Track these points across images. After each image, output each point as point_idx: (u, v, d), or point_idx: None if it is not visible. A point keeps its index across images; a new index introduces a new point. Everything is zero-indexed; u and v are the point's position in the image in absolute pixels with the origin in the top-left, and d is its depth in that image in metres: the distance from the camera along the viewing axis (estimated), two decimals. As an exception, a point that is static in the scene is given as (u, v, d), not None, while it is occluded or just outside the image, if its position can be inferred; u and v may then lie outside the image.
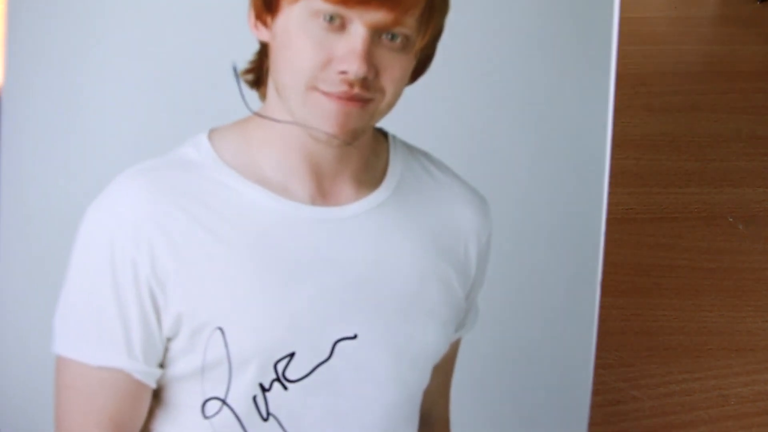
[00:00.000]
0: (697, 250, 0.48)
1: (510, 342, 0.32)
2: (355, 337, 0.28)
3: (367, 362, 0.29)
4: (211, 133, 0.28)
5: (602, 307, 0.45)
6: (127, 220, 0.26)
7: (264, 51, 0.27)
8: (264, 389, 0.28)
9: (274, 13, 0.26)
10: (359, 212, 0.29)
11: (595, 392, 0.42)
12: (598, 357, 0.43)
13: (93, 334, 0.27)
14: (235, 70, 0.28)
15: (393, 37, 0.26)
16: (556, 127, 0.31)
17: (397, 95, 0.27)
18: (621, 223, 0.49)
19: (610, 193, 0.51)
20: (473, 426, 0.31)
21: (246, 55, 0.27)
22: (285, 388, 0.28)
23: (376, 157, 0.29)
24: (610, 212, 0.50)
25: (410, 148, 0.30)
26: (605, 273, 0.47)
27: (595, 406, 0.42)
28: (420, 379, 0.30)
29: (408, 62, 0.27)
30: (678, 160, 0.53)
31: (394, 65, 0.26)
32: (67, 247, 0.26)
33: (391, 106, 0.27)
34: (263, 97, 0.28)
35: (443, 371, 0.31)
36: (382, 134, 0.30)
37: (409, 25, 0.26)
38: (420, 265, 0.29)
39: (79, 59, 0.26)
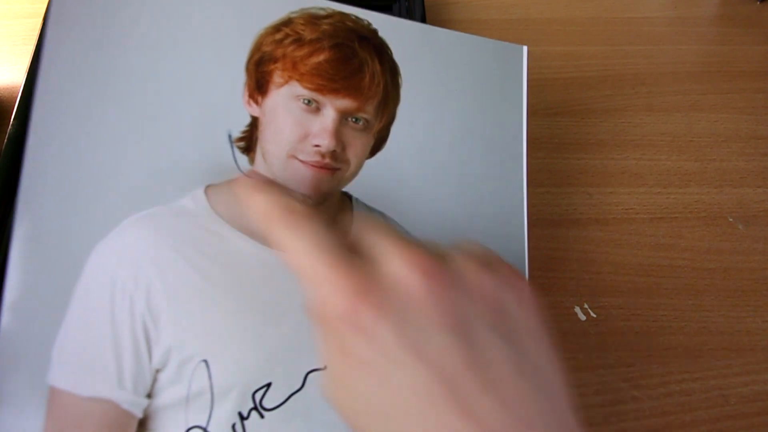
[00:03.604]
0: (697, 250, 0.48)
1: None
2: (324, 368, 0.30)
3: None
4: (207, 189, 0.32)
5: (602, 307, 0.46)
6: (129, 260, 0.30)
7: (254, 124, 0.33)
8: (242, 417, 0.31)
9: (263, 94, 0.33)
10: None
11: (595, 392, 0.42)
12: (597, 357, 0.43)
13: (86, 366, 0.29)
14: (230, 137, 0.33)
15: (356, 120, 0.34)
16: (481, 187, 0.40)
17: (359, 166, 0.35)
18: (621, 223, 0.49)
19: (610, 193, 0.52)
20: None
21: (240, 126, 0.33)
22: (262, 416, 0.31)
23: (342, 214, 0.35)
24: (609, 212, 0.50)
25: (369, 208, 0.36)
26: (605, 273, 0.47)
27: (595, 406, 0.42)
28: None
29: (368, 140, 0.35)
30: (678, 160, 0.53)
31: (357, 142, 0.34)
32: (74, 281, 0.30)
33: (354, 174, 0.35)
34: (252, 161, 0.33)
35: None
36: (347, 197, 0.36)
37: (369, 111, 0.34)
38: None
39: (100, 122, 0.32)
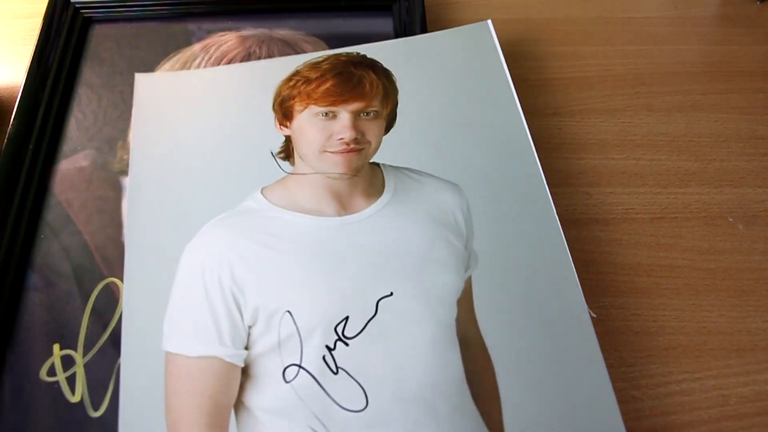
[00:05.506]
0: (697, 250, 0.48)
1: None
2: (391, 294, 0.38)
3: (405, 310, 0.38)
4: (263, 189, 0.42)
5: (602, 307, 0.46)
6: (213, 250, 0.39)
7: (288, 140, 0.44)
8: (330, 349, 0.37)
9: (290, 120, 0.43)
10: (373, 213, 0.41)
11: (595, 392, 0.42)
12: (598, 357, 0.43)
13: (192, 332, 0.37)
14: (272, 153, 0.44)
15: (367, 113, 0.42)
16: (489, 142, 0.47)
17: (378, 143, 0.43)
18: (621, 223, 0.49)
19: (610, 193, 0.52)
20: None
21: (278, 144, 0.45)
22: (346, 344, 0.37)
23: (375, 179, 0.43)
24: (609, 212, 0.50)
25: (396, 167, 0.44)
26: (605, 273, 0.47)
27: (595, 406, 0.42)
28: (449, 311, 0.39)
29: (380, 124, 0.43)
30: (678, 160, 0.53)
31: (372, 127, 0.42)
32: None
33: (376, 149, 0.43)
34: (293, 163, 0.43)
35: (466, 301, 0.40)
36: (376, 164, 0.44)
37: (375, 105, 0.42)
38: (425, 234, 0.41)
39: (182, 152, 0.46)
